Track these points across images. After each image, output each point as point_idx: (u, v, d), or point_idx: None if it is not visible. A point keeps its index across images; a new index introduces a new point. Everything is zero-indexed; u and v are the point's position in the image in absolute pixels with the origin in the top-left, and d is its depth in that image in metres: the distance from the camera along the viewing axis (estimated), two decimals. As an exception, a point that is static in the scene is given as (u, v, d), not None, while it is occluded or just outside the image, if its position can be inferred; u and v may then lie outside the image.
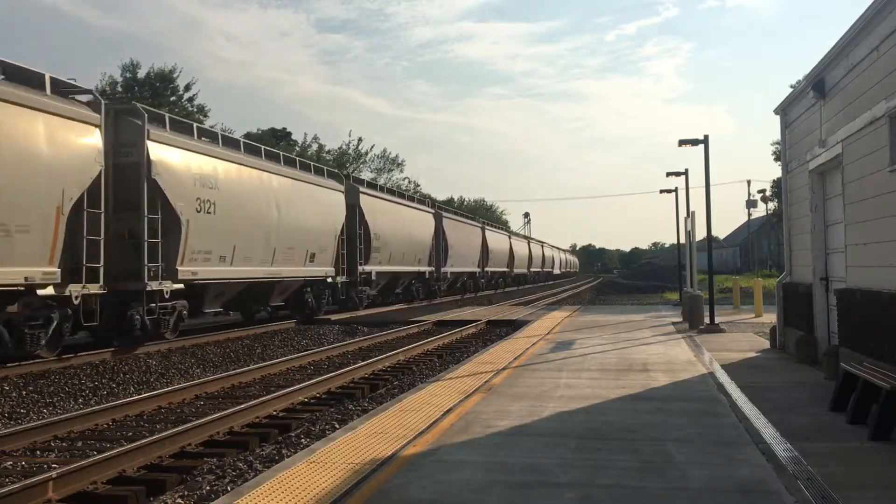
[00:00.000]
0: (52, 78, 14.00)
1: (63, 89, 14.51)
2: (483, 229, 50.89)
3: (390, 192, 35.81)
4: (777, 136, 16.04)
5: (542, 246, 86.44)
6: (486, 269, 51.90)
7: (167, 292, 16.78)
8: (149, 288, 16.09)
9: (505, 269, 58.78)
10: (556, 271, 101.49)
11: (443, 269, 40.82)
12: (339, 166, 50.19)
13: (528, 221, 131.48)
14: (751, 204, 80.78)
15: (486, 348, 16.18)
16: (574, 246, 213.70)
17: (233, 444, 8.58)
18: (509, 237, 63.62)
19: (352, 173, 41.90)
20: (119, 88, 45.66)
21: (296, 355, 16.14)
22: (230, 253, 19.23)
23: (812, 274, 12.88)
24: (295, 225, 22.60)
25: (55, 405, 11.40)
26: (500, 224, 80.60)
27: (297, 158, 26.36)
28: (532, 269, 73.82)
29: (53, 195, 13.51)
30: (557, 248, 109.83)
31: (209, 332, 20.12)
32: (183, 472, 7.45)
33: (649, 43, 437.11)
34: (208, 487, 6.95)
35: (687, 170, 28.34)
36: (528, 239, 77.25)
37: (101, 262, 14.74)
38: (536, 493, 5.64)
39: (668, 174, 28.76)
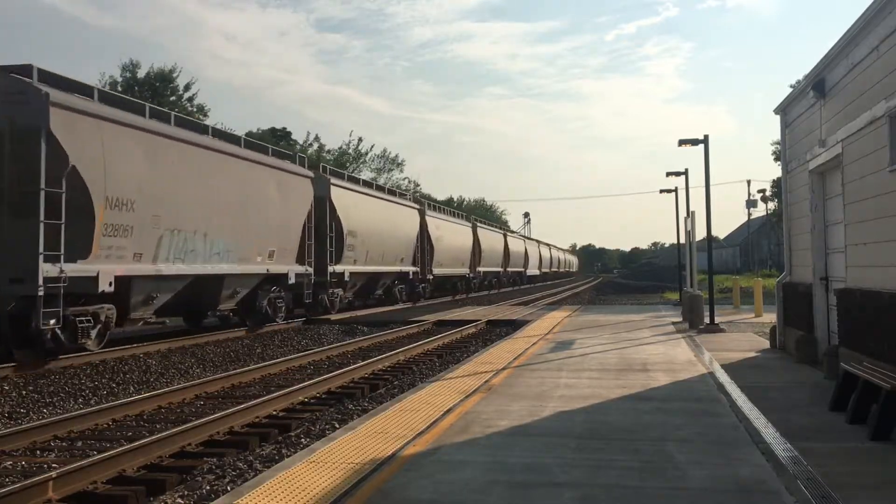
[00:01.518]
0: (297, 155, 25.58)
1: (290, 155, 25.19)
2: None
3: (443, 209, 45.34)
4: (777, 136, 16.06)
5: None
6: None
7: (347, 274, 26.73)
8: (330, 273, 25.41)
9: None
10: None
11: (477, 269, 49.44)
12: (339, 166, 50.19)
13: (528, 221, 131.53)
14: (751, 204, 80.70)
15: (485, 348, 16.18)
16: (574, 246, 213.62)
17: (233, 444, 8.57)
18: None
19: (352, 173, 42.41)
20: (119, 88, 45.62)
21: (296, 355, 16.14)
22: (366, 256, 28.93)
23: (812, 274, 12.88)
24: (398, 236, 33.09)
25: (55, 405, 11.40)
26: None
27: (393, 189, 38.46)
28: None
29: (299, 223, 23.26)
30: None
31: (209, 332, 20.12)
32: (183, 472, 7.45)
33: (649, 43, 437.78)
34: (208, 487, 6.95)
35: (687, 170, 28.37)
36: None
37: (313, 259, 24.02)
38: (536, 493, 5.64)
39: (668, 174, 28.75)
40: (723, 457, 6.63)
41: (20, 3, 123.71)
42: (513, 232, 75.96)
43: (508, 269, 60.31)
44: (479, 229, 49.65)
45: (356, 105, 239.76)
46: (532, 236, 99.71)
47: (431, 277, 38.24)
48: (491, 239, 54.06)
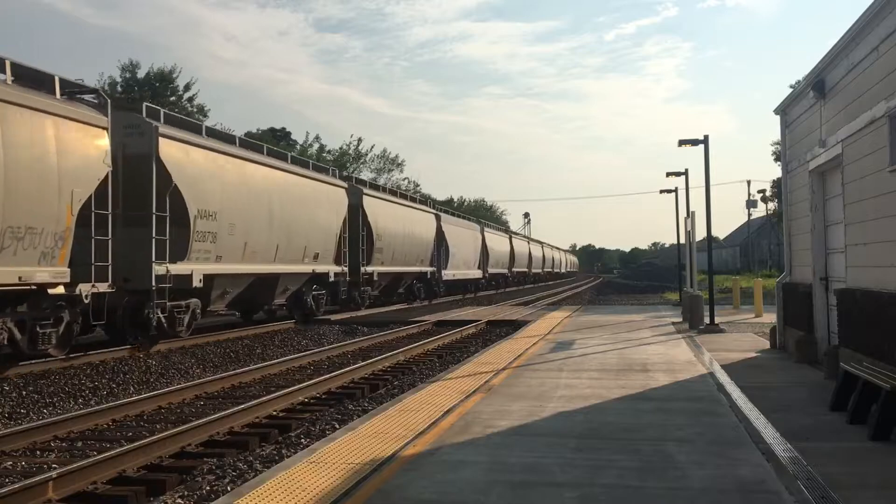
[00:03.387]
0: (330, 169, 28.60)
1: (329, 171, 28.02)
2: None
3: (456, 214, 48.59)
4: (777, 136, 16.07)
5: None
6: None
7: (376, 274, 30.18)
8: (362, 272, 28.72)
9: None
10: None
11: (486, 269, 51.65)
12: (340, 167, 50.27)
13: (528, 221, 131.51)
14: (751, 204, 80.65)
15: (486, 348, 16.19)
16: (574, 246, 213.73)
17: (233, 444, 8.58)
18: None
19: (352, 173, 42.70)
20: (119, 89, 45.60)
21: (296, 355, 16.15)
22: (391, 257, 32.07)
23: (812, 274, 12.88)
24: (418, 239, 35.82)
25: (55, 405, 11.40)
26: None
27: (413, 195, 41.92)
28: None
29: (337, 228, 25.90)
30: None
31: (209, 332, 20.12)
32: (183, 472, 7.45)
33: (649, 42, 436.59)
34: (208, 487, 6.95)
35: (687, 170, 28.36)
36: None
37: (348, 262, 26.93)
38: (536, 493, 5.64)
39: (668, 174, 28.73)
40: (723, 457, 6.63)
41: (19, 2, 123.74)
42: (516, 233, 76.60)
43: (514, 269, 62.37)
44: (486, 232, 52.39)
45: (356, 105, 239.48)
46: (532, 237, 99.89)
47: (447, 276, 41.45)
48: (497, 241, 56.66)
